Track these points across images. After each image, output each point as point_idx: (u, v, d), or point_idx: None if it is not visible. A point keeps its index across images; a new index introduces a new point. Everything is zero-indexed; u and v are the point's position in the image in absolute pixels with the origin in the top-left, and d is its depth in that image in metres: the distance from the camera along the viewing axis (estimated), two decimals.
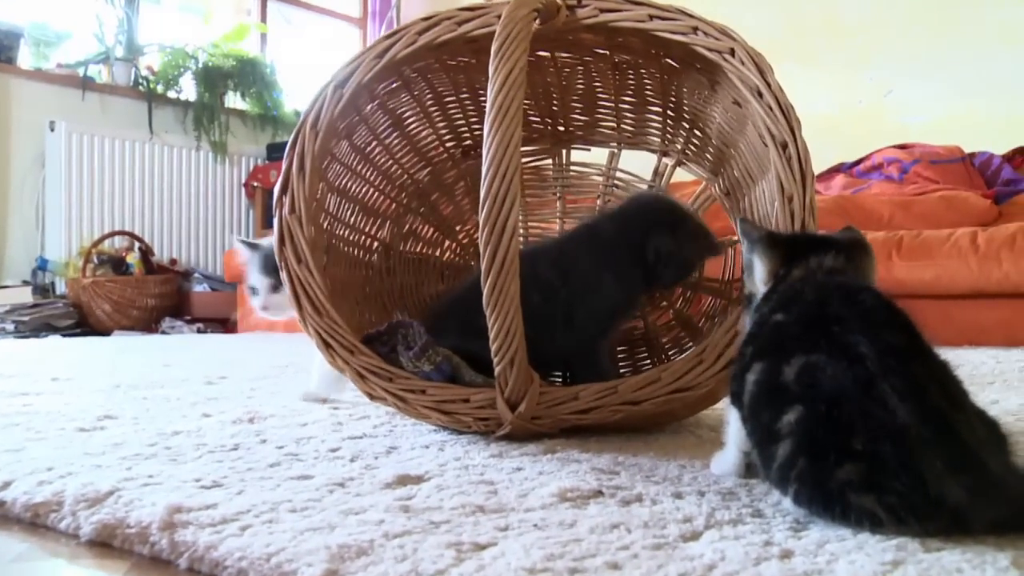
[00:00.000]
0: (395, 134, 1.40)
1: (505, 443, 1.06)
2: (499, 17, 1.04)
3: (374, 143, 1.37)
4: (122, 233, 4.44)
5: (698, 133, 1.37)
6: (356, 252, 1.40)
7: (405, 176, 1.47)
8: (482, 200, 0.96)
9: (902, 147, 3.76)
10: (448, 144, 1.49)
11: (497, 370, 1.01)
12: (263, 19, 5.18)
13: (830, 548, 0.62)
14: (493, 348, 1.00)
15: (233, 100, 4.97)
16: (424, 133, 1.45)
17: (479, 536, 0.66)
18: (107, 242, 4.36)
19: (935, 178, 3.54)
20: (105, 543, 0.71)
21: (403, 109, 1.37)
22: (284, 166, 1.16)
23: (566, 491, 0.79)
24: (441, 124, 1.45)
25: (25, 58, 4.29)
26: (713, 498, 0.78)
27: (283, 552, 0.63)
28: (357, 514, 0.72)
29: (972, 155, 3.66)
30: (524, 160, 1.53)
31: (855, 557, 0.60)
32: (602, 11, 1.11)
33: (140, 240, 4.47)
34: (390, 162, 1.43)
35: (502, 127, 0.96)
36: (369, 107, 1.30)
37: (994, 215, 3.33)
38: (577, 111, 1.46)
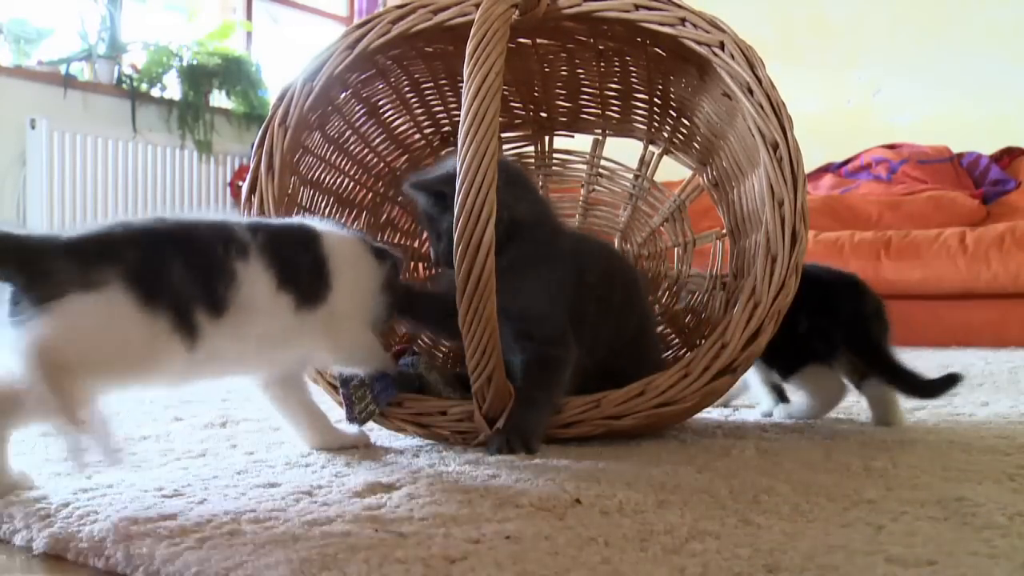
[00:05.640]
0: (371, 122, 1.35)
1: (482, 449, 1.03)
2: (476, 6, 1.00)
3: (349, 132, 1.33)
4: None
5: (685, 122, 1.34)
6: None
7: (381, 164, 1.42)
8: (456, 216, 0.92)
9: (890, 147, 3.75)
10: (426, 131, 1.45)
11: (475, 387, 0.98)
12: (248, 17, 5.12)
13: (819, 561, 0.59)
14: (470, 366, 0.96)
15: (218, 99, 4.91)
16: (401, 120, 1.41)
17: (449, 549, 0.63)
18: None
19: (923, 178, 3.54)
20: (59, 556, 0.68)
21: (379, 97, 1.33)
22: (252, 165, 1.12)
23: (543, 500, 0.76)
24: (419, 111, 1.41)
25: (4, 55, 4.23)
26: (697, 506, 0.74)
27: (242, 567, 0.60)
28: (323, 525, 0.69)
29: (960, 155, 3.66)
30: (505, 147, 1.48)
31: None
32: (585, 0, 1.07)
33: None
34: (366, 151, 1.38)
35: (477, 137, 0.91)
36: (342, 96, 1.26)
37: (982, 215, 3.33)
38: (560, 97, 1.42)
